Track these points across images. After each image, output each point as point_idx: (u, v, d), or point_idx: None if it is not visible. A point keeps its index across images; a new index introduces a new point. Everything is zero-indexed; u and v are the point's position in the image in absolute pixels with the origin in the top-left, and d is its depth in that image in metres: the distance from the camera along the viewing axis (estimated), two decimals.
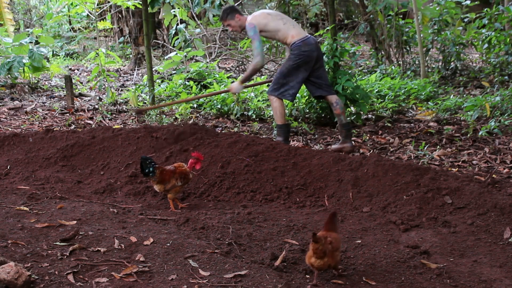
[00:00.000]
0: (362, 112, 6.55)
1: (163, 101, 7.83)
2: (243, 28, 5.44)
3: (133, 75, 10.60)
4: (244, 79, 5.54)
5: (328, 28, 6.81)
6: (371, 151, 5.52)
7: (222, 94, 7.21)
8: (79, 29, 15.00)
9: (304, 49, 5.26)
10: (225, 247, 3.19)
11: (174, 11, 8.82)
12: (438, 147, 5.57)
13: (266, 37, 5.63)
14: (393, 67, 8.92)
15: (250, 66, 5.40)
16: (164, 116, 7.07)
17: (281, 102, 5.39)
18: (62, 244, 3.05)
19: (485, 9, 8.66)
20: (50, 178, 4.59)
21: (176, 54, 8.53)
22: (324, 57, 6.35)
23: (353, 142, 5.59)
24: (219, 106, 7.16)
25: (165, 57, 9.46)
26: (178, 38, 8.92)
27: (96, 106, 7.74)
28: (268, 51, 8.95)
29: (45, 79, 9.98)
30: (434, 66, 9.07)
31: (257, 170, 4.50)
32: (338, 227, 3.10)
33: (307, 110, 6.69)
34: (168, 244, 3.08)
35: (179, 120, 6.91)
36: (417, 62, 9.04)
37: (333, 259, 2.81)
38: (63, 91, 8.56)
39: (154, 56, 11.24)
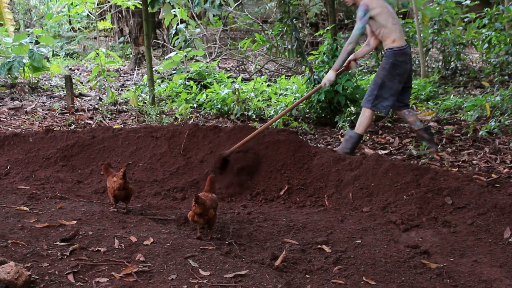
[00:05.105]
0: None
1: (163, 101, 7.83)
2: (355, 3, 5.02)
3: (133, 75, 10.59)
4: (337, 66, 5.07)
5: (328, 28, 6.81)
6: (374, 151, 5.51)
7: (222, 94, 7.21)
8: (79, 29, 15.00)
9: (400, 58, 4.91)
10: (225, 247, 3.19)
11: (174, 11, 8.82)
12: (438, 147, 5.57)
13: (369, 26, 5.01)
14: None
15: (342, 50, 5.03)
16: (164, 116, 7.07)
17: (372, 114, 5.08)
18: (62, 244, 3.05)
19: (485, 9, 8.65)
20: (50, 178, 4.59)
21: (176, 54, 8.53)
22: (324, 57, 6.36)
23: (437, 146, 5.29)
24: (219, 106, 7.16)
25: (165, 57, 9.46)
26: (178, 38, 8.93)
27: (96, 106, 7.74)
28: (268, 51, 8.94)
29: (45, 79, 9.98)
30: (434, 66, 9.06)
31: (258, 170, 4.50)
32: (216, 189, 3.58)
33: (307, 110, 6.69)
34: (168, 244, 3.08)
35: (179, 120, 6.90)
36: (417, 62, 9.02)
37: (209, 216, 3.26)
38: (63, 91, 8.56)
39: (154, 56, 11.24)
